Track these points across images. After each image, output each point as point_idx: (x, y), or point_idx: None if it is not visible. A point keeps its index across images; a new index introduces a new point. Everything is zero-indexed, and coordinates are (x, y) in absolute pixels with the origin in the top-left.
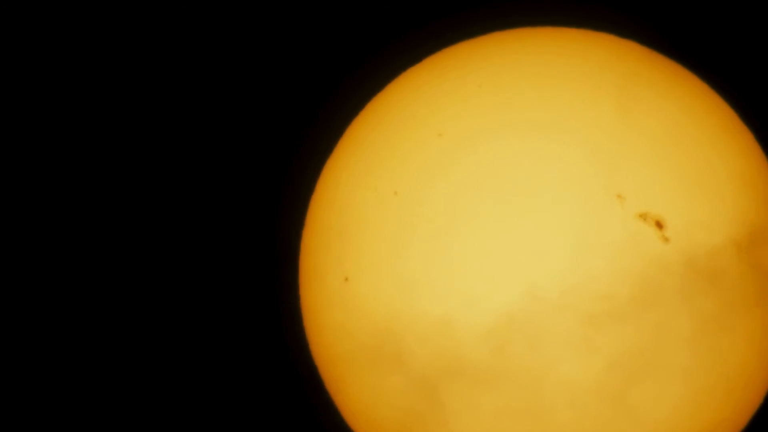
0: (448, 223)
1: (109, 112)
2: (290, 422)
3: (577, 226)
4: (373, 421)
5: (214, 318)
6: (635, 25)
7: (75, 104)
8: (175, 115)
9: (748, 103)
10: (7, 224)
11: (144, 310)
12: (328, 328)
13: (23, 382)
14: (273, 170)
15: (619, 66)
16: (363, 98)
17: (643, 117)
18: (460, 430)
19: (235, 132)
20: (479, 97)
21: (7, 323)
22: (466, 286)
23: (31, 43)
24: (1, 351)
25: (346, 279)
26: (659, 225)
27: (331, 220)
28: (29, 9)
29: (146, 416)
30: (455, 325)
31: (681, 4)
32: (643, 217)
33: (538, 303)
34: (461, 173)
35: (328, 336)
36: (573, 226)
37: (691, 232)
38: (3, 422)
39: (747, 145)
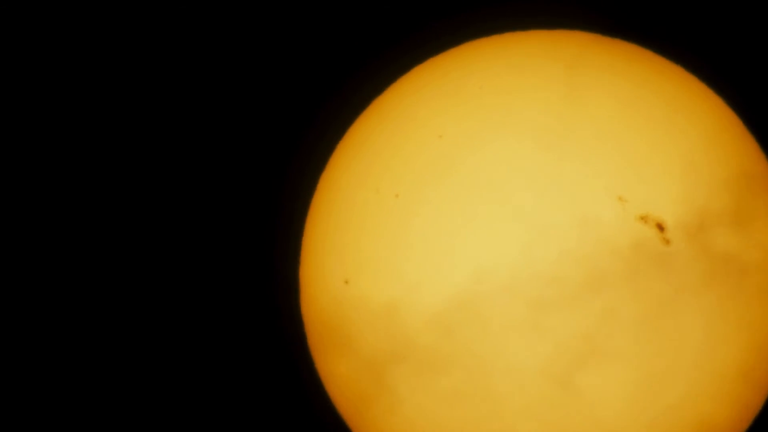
0: (395, 208)
1: (110, 113)
2: (291, 422)
3: (525, 209)
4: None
5: (215, 319)
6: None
7: (75, 104)
8: (176, 117)
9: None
10: (7, 224)
11: (144, 311)
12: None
13: (23, 382)
14: (274, 172)
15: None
16: (364, 100)
17: (590, 99)
18: (409, 415)
19: (236, 133)
20: (480, 98)
21: (7, 323)
22: (413, 271)
23: (31, 43)
24: (1, 351)
25: (347, 282)
26: (660, 227)
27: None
28: (29, 9)
29: (146, 416)
30: (402, 310)
31: None
32: (644, 219)
33: (486, 287)
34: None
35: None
36: (520, 210)
37: (639, 215)
38: (3, 422)
39: (696, 127)
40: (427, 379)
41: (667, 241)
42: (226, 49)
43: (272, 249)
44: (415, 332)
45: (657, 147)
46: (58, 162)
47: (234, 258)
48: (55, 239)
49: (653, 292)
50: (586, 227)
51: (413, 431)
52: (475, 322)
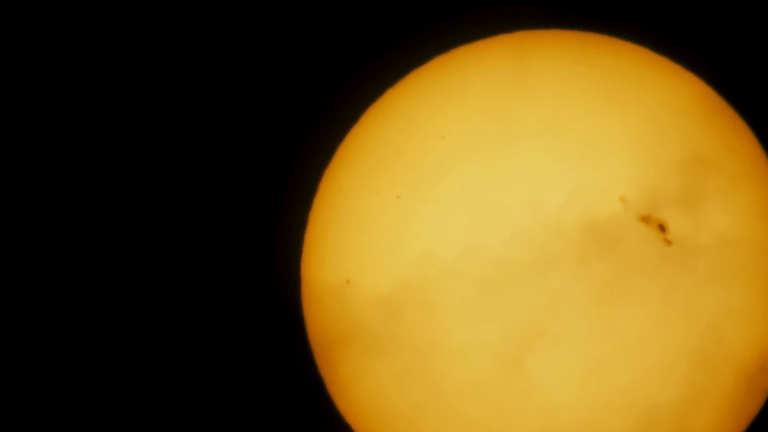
0: (342, 190)
1: (111, 114)
2: (292, 422)
3: (473, 190)
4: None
5: (216, 320)
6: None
7: (78, 105)
8: (177, 118)
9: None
10: (7, 224)
11: (144, 311)
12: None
13: (23, 382)
14: (275, 173)
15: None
16: (365, 101)
17: (537, 81)
18: (357, 396)
19: (237, 135)
20: (482, 99)
21: (7, 323)
22: (360, 252)
23: (31, 43)
24: (1, 351)
25: (348, 282)
26: (662, 228)
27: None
28: (29, 9)
29: (147, 416)
30: (349, 291)
31: None
32: (646, 219)
33: (433, 268)
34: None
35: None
36: (469, 190)
37: (589, 197)
38: (3, 422)
39: (646, 108)
40: (374, 360)
41: (669, 242)
42: (228, 51)
43: (274, 250)
44: (363, 314)
45: (607, 128)
46: (61, 163)
47: (235, 260)
48: (56, 241)
49: (603, 274)
50: (535, 209)
51: (361, 412)
52: (423, 303)
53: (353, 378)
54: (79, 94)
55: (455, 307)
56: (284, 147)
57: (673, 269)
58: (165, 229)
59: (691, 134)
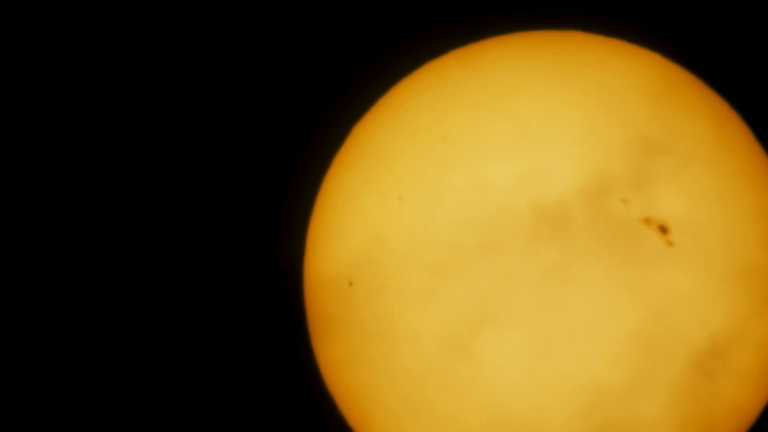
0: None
1: (112, 114)
2: (292, 423)
3: (421, 173)
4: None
5: (217, 321)
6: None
7: (80, 105)
8: (178, 120)
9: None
10: (7, 224)
11: (145, 312)
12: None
13: (23, 382)
14: (276, 174)
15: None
16: (367, 101)
17: (487, 65)
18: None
19: (238, 135)
20: (484, 99)
21: (7, 323)
22: (309, 236)
23: (31, 43)
24: (1, 351)
25: (351, 283)
26: (663, 230)
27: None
28: (29, 9)
29: (148, 416)
30: (298, 275)
31: None
32: (647, 221)
33: (381, 251)
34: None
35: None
36: (417, 172)
37: (538, 180)
38: (3, 422)
39: (595, 91)
40: (320, 344)
41: (671, 243)
42: (229, 51)
43: (275, 250)
44: (312, 297)
45: (556, 111)
46: (64, 162)
47: (237, 261)
48: (56, 241)
49: (552, 257)
50: (484, 192)
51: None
52: (370, 286)
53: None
54: (80, 94)
55: (403, 291)
56: (285, 147)
57: (623, 252)
58: (166, 228)
59: (641, 117)
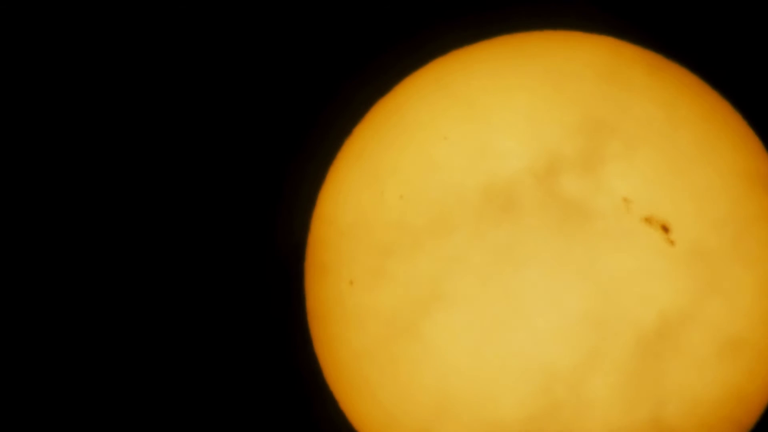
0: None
1: (111, 114)
2: (293, 424)
3: (368, 152)
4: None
5: (219, 321)
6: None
7: (82, 105)
8: (179, 121)
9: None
10: (7, 225)
11: (146, 312)
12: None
13: (23, 382)
14: (277, 174)
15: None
16: (368, 101)
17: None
18: None
19: (239, 135)
20: (486, 100)
21: (7, 323)
22: (254, 220)
23: (31, 43)
24: (1, 351)
25: (351, 282)
26: (665, 229)
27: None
28: (29, 9)
29: (148, 416)
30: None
31: None
32: (649, 220)
33: (329, 231)
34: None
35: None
36: (362, 154)
37: (487, 162)
38: (3, 422)
39: (542, 70)
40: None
41: (672, 242)
42: (230, 52)
43: (276, 251)
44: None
45: (505, 92)
46: (61, 162)
47: (237, 262)
48: (56, 242)
49: (500, 238)
50: (433, 172)
51: None
52: (319, 267)
53: None
54: (80, 94)
55: (351, 271)
56: (287, 147)
57: (571, 233)
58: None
59: (591, 98)
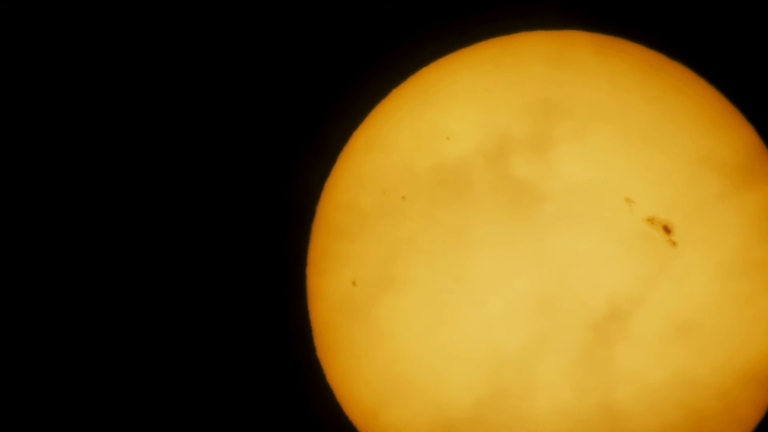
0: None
1: (114, 115)
2: (294, 423)
3: (318, 135)
4: None
5: (220, 322)
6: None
7: (84, 105)
8: (180, 121)
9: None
10: (8, 225)
11: (147, 312)
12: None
13: (24, 383)
14: (279, 174)
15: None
16: (369, 101)
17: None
18: None
19: (240, 136)
20: (488, 100)
21: (8, 323)
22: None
23: (31, 43)
24: (1, 351)
25: (354, 283)
26: (666, 230)
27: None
28: (29, 9)
29: (148, 417)
30: None
31: None
32: (651, 221)
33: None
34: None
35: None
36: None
37: (439, 142)
38: (3, 422)
39: (494, 54)
40: None
41: (674, 243)
42: (231, 52)
43: (277, 251)
44: None
45: (455, 75)
46: (64, 163)
47: (238, 262)
48: (57, 242)
49: (451, 220)
50: (383, 155)
51: None
52: (266, 252)
53: None
54: (93, 93)
55: (302, 254)
56: (288, 148)
57: (521, 215)
58: (168, 228)
59: (539, 80)
